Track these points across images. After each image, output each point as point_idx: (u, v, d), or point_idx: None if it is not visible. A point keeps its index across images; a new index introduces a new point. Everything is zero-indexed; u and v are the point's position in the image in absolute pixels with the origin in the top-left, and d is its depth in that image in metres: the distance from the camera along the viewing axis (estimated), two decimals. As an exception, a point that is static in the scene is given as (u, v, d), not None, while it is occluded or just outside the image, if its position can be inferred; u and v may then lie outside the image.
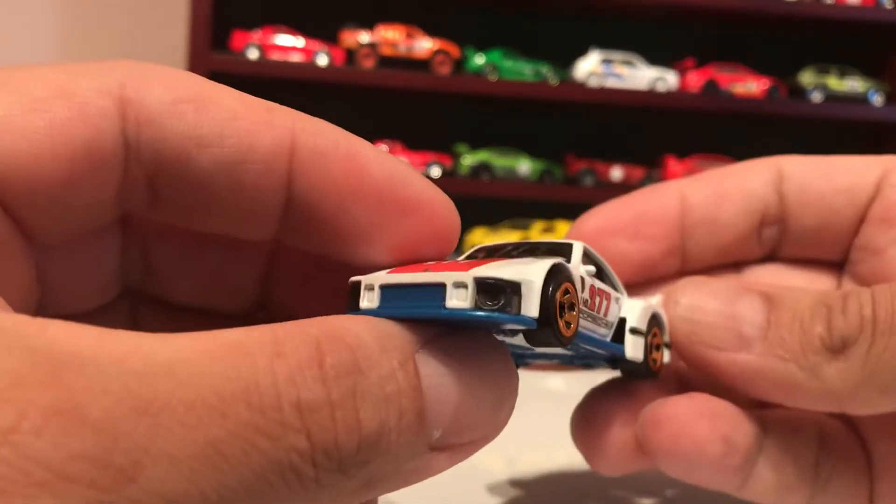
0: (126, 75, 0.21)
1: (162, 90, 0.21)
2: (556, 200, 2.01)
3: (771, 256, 0.33)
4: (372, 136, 2.03)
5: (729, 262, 0.32)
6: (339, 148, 0.22)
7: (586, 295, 0.23)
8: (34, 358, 0.14)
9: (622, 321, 0.26)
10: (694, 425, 0.27)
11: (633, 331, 0.26)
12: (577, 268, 0.23)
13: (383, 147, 2.02)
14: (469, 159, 2.03)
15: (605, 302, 0.24)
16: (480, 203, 2.03)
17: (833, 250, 0.31)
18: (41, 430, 0.14)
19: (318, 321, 0.18)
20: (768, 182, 0.31)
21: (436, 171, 2.02)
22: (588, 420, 0.29)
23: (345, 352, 0.18)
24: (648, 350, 0.26)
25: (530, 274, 0.20)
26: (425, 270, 0.20)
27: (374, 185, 0.22)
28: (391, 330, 0.19)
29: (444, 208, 0.24)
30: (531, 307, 0.19)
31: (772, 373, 0.25)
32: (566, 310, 0.20)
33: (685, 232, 0.31)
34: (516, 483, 0.36)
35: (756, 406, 0.28)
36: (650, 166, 2.10)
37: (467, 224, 2.17)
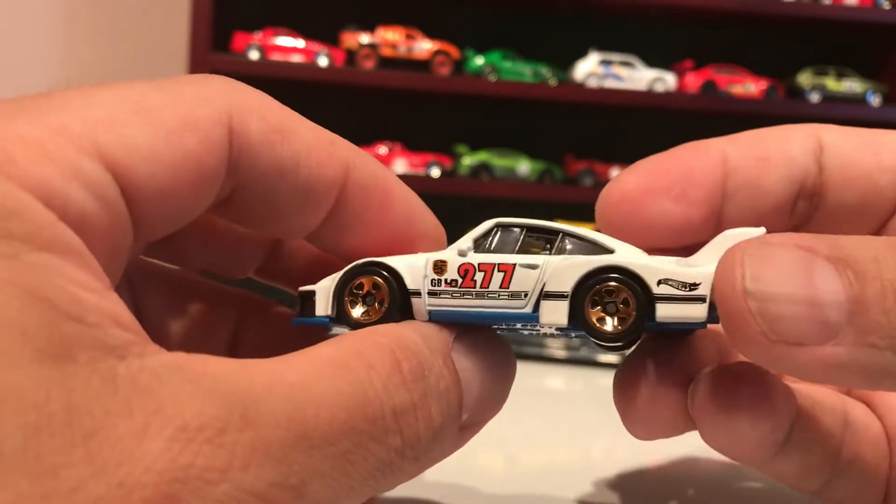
0: (230, 104, 0.24)
1: (258, 121, 0.24)
2: (555, 200, 2.02)
3: (796, 230, 0.29)
4: (372, 137, 2.04)
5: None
6: (378, 183, 0.27)
7: (454, 275, 0.26)
8: (226, 402, 0.18)
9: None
10: (749, 402, 0.25)
11: (548, 295, 0.25)
12: (445, 251, 0.26)
13: (383, 149, 2.02)
14: (469, 160, 2.03)
15: (499, 275, 0.25)
16: (480, 203, 2.04)
17: (865, 229, 0.29)
18: (247, 466, 0.18)
19: (379, 330, 0.23)
20: (809, 151, 0.29)
21: (436, 172, 2.03)
22: (630, 379, 0.27)
23: (413, 358, 0.22)
24: (582, 311, 0.25)
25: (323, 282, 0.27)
26: None
27: (398, 219, 0.27)
28: (430, 332, 0.24)
29: (442, 239, 0.29)
30: (322, 309, 0.27)
31: (867, 365, 0.21)
32: (360, 302, 0.26)
33: (726, 196, 0.29)
34: (516, 483, 0.36)
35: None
36: (649, 167, 2.10)
37: (467, 224, 2.15)
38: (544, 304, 0.25)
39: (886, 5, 2.05)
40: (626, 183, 0.29)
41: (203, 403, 0.18)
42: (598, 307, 0.25)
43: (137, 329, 0.19)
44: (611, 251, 0.26)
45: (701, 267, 0.24)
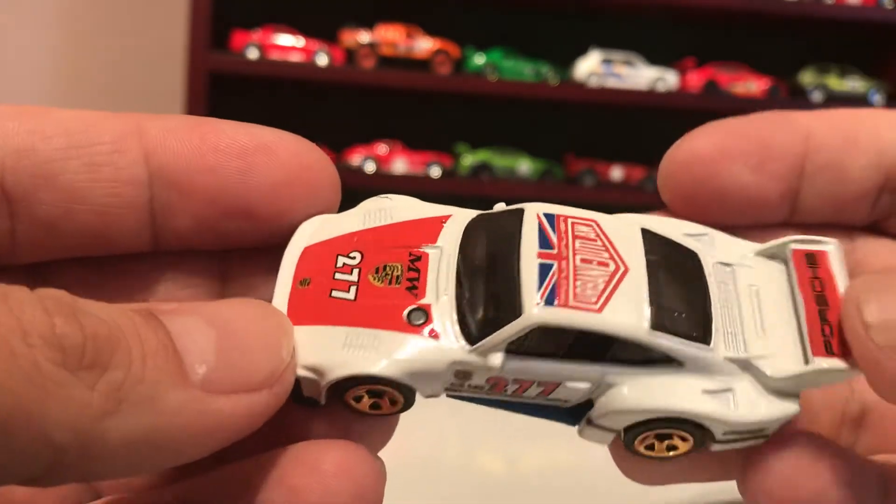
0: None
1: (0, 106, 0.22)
2: (556, 200, 2.00)
3: (872, 227, 0.27)
4: (372, 136, 2.04)
5: (838, 223, 0.27)
6: (189, 121, 0.23)
7: (480, 383, 0.21)
8: None
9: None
10: (811, 471, 0.21)
11: (595, 424, 0.22)
12: (487, 356, 0.21)
13: (383, 148, 2.02)
14: (469, 159, 2.03)
15: (538, 388, 0.21)
16: (480, 203, 2.02)
17: None
18: None
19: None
20: None
21: (436, 171, 2.02)
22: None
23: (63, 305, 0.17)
24: (631, 444, 0.22)
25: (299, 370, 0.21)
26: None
27: (229, 141, 0.22)
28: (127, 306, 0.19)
29: (300, 143, 0.24)
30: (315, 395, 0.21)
31: None
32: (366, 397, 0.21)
33: (806, 176, 0.26)
34: (516, 483, 0.35)
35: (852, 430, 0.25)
36: (650, 166, 2.09)
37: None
38: (589, 430, 0.22)
39: (889, 4, 2.04)
40: (699, 142, 0.26)
41: None
42: (648, 439, 0.22)
43: None
44: (673, 363, 0.21)
45: (778, 404, 0.21)
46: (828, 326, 0.21)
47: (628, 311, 0.21)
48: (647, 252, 0.22)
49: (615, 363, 0.21)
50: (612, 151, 2.12)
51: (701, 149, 0.26)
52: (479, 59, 2.00)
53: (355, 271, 0.22)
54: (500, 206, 0.24)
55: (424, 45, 1.99)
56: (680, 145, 0.27)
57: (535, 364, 0.21)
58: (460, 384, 0.21)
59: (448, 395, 0.22)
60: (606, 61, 2.01)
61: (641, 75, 2.02)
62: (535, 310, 0.20)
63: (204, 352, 0.18)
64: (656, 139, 2.28)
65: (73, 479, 0.17)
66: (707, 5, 1.98)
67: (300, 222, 0.23)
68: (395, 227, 0.23)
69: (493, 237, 0.22)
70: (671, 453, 0.22)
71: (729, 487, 0.36)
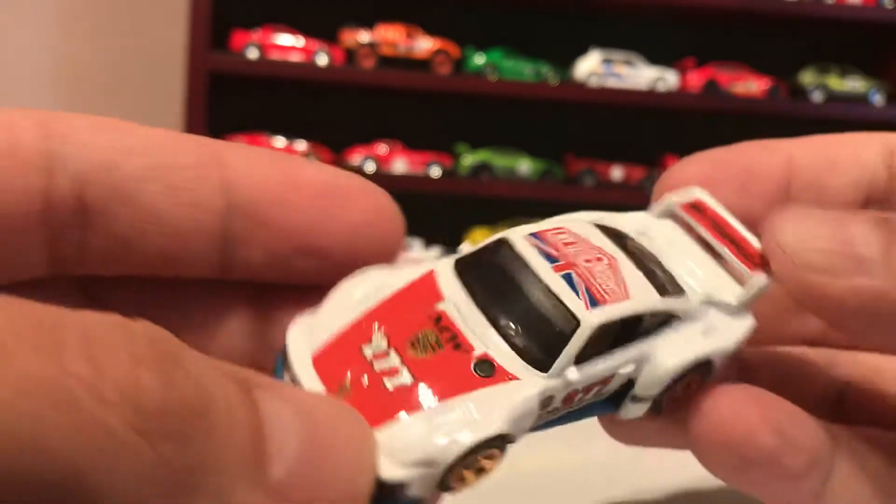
0: (43, 113, 0.20)
1: (83, 117, 0.21)
2: (556, 200, 2.01)
3: None
4: (372, 136, 2.04)
5: None
6: (271, 156, 0.22)
7: (558, 404, 0.22)
8: None
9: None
10: (743, 412, 0.23)
11: (636, 398, 0.23)
12: (564, 373, 0.21)
13: (383, 147, 2.02)
14: (469, 159, 2.03)
15: (598, 386, 0.23)
16: (480, 203, 2.03)
17: None
18: None
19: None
20: (881, 157, 0.28)
21: (436, 171, 2.02)
22: None
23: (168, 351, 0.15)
24: (660, 402, 0.24)
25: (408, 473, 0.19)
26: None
27: (310, 181, 0.22)
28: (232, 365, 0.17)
29: (378, 193, 0.23)
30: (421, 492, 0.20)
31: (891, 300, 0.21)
32: (466, 474, 0.20)
33: (790, 196, 0.28)
34: (516, 483, 0.35)
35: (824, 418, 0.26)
36: (650, 166, 2.09)
37: (467, 224, 2.16)
38: (633, 406, 0.24)
39: (889, 4, 2.04)
40: (687, 170, 0.28)
41: None
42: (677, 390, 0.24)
43: None
44: (672, 321, 0.24)
45: (741, 322, 0.24)
46: (744, 252, 0.25)
47: (642, 290, 0.23)
48: (613, 242, 0.24)
49: (644, 338, 0.23)
50: (612, 151, 2.12)
51: (690, 177, 0.28)
52: (479, 59, 2.00)
53: (392, 354, 0.21)
54: (464, 247, 0.24)
55: (424, 45, 1.99)
56: (670, 173, 0.29)
57: (594, 365, 0.22)
58: (541, 414, 0.22)
59: (529, 432, 0.22)
60: (606, 61, 2.01)
61: (641, 75, 2.02)
62: (589, 315, 0.21)
63: (287, 450, 0.16)
64: (656, 139, 2.28)
65: None
66: (707, 5, 1.98)
67: (369, 265, 0.23)
68: (393, 302, 0.22)
69: (494, 274, 0.23)
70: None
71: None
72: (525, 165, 2.04)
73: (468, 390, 0.20)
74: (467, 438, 0.19)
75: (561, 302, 0.21)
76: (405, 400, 0.20)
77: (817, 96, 2.06)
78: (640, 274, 0.23)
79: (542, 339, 0.21)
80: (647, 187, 2.03)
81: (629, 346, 0.22)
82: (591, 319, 0.21)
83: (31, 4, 2.11)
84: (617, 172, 2.10)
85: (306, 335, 0.21)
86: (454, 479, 0.20)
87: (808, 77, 2.07)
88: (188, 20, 1.86)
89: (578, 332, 0.21)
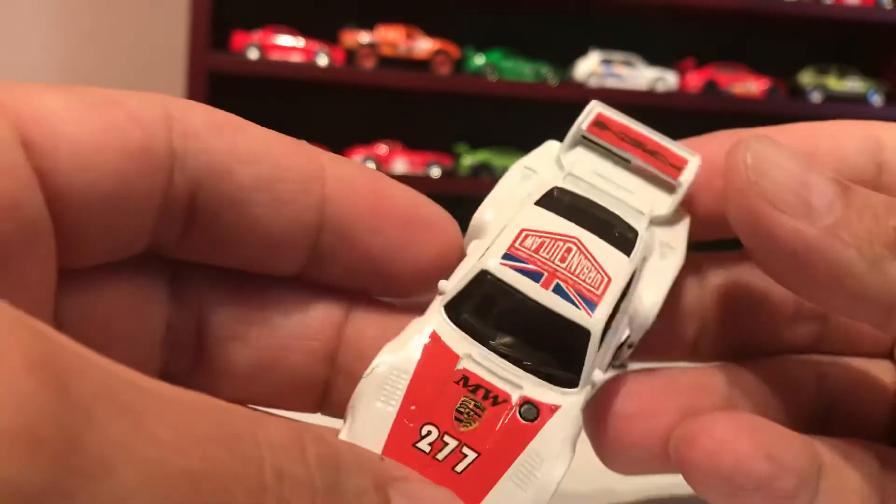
0: (165, 100, 0.21)
1: (202, 112, 0.21)
2: (556, 200, 2.01)
3: None
4: (372, 136, 2.04)
5: None
6: (364, 175, 0.23)
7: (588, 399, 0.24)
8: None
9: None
10: (734, 441, 0.23)
11: (631, 345, 0.25)
12: (591, 379, 0.23)
13: (383, 148, 2.02)
14: (469, 159, 2.03)
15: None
16: (480, 203, 2.03)
17: None
18: None
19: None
20: (864, 149, 0.27)
21: (436, 171, 2.02)
22: (606, 409, 0.25)
23: (326, 445, 0.16)
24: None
25: None
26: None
27: (397, 207, 0.23)
28: (366, 452, 0.18)
29: (454, 225, 0.25)
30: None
31: (830, 253, 0.22)
32: None
33: None
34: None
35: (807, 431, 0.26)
36: (650, 166, 2.09)
37: (467, 224, 2.15)
38: (626, 351, 0.25)
39: (888, 4, 2.04)
40: None
41: None
42: None
43: None
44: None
45: (679, 227, 0.26)
46: (660, 157, 0.26)
47: (615, 262, 0.23)
48: (566, 219, 0.24)
49: (629, 297, 0.24)
50: (611, 152, 2.12)
51: None
52: (479, 60, 2.00)
53: (447, 437, 0.21)
54: (442, 285, 0.23)
55: (424, 45, 1.99)
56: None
57: (606, 350, 0.23)
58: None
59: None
60: (606, 62, 2.01)
61: (641, 76, 2.02)
62: (593, 321, 0.22)
63: None
64: (656, 139, 2.23)
65: None
66: (706, 6, 1.98)
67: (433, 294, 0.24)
68: (416, 387, 0.22)
69: (490, 311, 0.23)
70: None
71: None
72: (525, 166, 2.04)
73: (528, 440, 0.21)
74: (554, 477, 0.21)
75: (565, 318, 0.22)
76: (477, 477, 0.21)
77: (816, 97, 2.06)
78: (604, 243, 0.24)
79: (562, 359, 0.22)
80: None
81: (621, 312, 0.24)
82: (596, 325, 0.22)
83: (31, 5, 2.11)
84: (616, 173, 2.09)
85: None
86: None
87: (807, 77, 2.07)
88: (189, 21, 1.86)
89: (591, 340, 0.22)
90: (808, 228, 0.22)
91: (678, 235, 0.26)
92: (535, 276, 0.22)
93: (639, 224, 0.25)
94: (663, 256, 0.25)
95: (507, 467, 0.21)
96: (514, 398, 0.21)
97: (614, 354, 0.24)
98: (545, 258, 0.23)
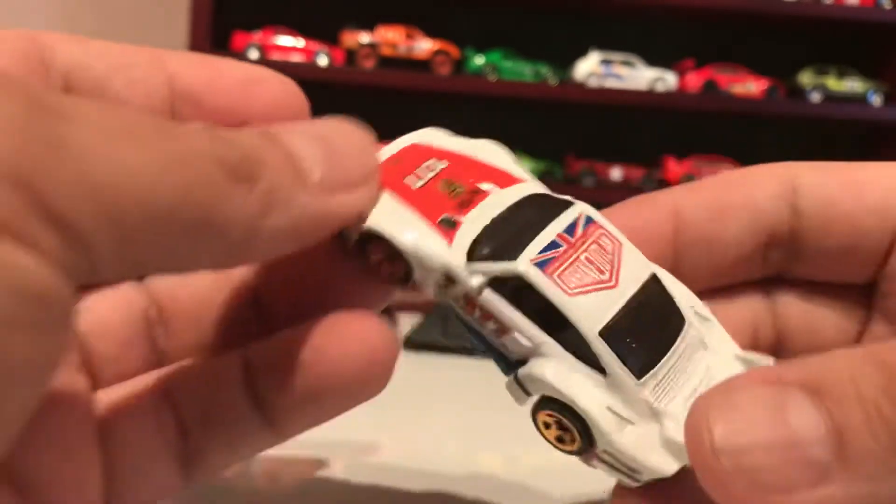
0: (28, 31, 0.26)
1: (60, 33, 0.26)
2: (555, 201, 2.01)
3: (778, 276, 0.29)
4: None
5: (726, 284, 0.29)
6: (199, 56, 0.28)
7: (459, 295, 0.25)
8: None
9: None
10: None
11: (516, 378, 0.25)
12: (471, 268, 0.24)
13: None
14: (469, 159, 2.03)
15: (493, 324, 0.24)
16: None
17: (858, 274, 0.27)
18: None
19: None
20: (779, 196, 0.27)
21: (436, 172, 2.02)
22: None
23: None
24: (537, 413, 0.25)
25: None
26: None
27: (232, 72, 0.28)
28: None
29: (288, 79, 0.30)
30: None
31: (866, 498, 0.18)
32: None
33: (678, 251, 0.28)
34: (516, 483, 0.36)
35: None
36: (650, 166, 2.10)
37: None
38: (512, 385, 0.25)
39: (888, 5, 2.04)
40: None
41: None
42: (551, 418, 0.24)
43: None
44: (602, 371, 0.24)
45: (662, 459, 0.23)
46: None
47: (594, 311, 0.23)
48: (642, 290, 0.24)
49: (558, 342, 0.23)
50: (611, 151, 2.13)
51: None
52: (478, 60, 2.01)
53: (431, 174, 0.26)
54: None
55: (424, 45, 1.99)
56: None
57: (501, 304, 0.24)
58: (445, 289, 0.24)
59: (435, 297, 0.25)
60: (606, 62, 2.01)
61: (641, 76, 2.02)
62: (525, 266, 0.23)
63: (315, 159, 0.22)
64: (656, 139, 2.28)
65: (236, 264, 0.23)
66: (706, 6, 1.98)
67: None
68: (480, 164, 0.27)
69: (538, 209, 0.26)
70: (558, 444, 0.24)
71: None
72: (525, 166, 2.04)
73: (424, 217, 0.25)
74: (382, 228, 0.24)
75: (525, 244, 0.24)
76: (399, 190, 0.25)
77: (815, 97, 2.06)
78: (615, 308, 0.24)
79: (487, 246, 0.24)
80: (646, 187, 2.03)
81: (539, 330, 0.24)
82: (519, 267, 0.24)
83: (32, 6, 2.11)
84: (616, 173, 2.10)
85: (429, 137, 0.28)
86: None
87: (806, 78, 2.07)
88: (189, 21, 1.86)
89: (506, 264, 0.24)
90: (827, 491, 0.18)
91: (651, 455, 0.24)
92: (569, 232, 0.25)
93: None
94: None
95: (401, 203, 0.25)
96: (459, 218, 0.26)
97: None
98: (583, 245, 0.25)
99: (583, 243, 0.24)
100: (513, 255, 0.24)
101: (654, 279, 0.24)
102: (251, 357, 0.25)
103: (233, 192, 0.19)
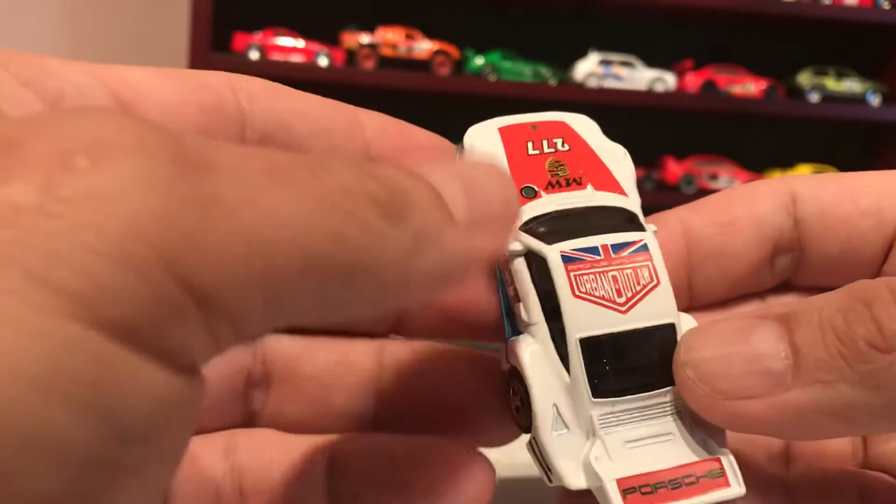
0: (226, 74, 0.25)
1: (259, 81, 0.25)
2: (555, 201, 2.01)
3: (785, 285, 0.30)
4: (372, 137, 2.04)
5: (739, 295, 0.30)
6: (391, 121, 0.28)
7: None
8: None
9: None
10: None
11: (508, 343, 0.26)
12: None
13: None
14: (469, 160, 2.03)
15: (511, 289, 0.26)
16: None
17: (858, 277, 0.27)
18: None
19: None
20: (780, 206, 0.28)
21: (436, 172, 2.03)
22: None
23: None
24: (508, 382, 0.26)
25: None
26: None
27: (420, 141, 0.28)
28: None
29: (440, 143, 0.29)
30: None
31: (821, 402, 0.21)
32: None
33: (692, 267, 0.28)
34: (516, 483, 0.36)
35: (782, 463, 0.27)
36: (649, 166, 2.10)
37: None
38: (506, 346, 0.26)
39: (886, 5, 2.05)
40: None
41: None
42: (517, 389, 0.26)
43: None
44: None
45: (580, 475, 0.24)
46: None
47: (587, 319, 0.24)
48: (650, 330, 0.25)
49: (550, 330, 0.25)
50: (610, 152, 2.13)
51: None
52: (478, 61, 2.01)
53: (550, 150, 0.28)
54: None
55: (424, 46, 2.00)
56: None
57: (524, 275, 0.25)
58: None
59: None
60: (605, 62, 2.02)
61: (640, 76, 2.02)
62: (552, 252, 0.24)
63: (456, 196, 0.21)
64: (655, 140, 2.27)
65: (385, 310, 0.22)
66: (705, 7, 1.99)
67: None
68: (598, 164, 0.28)
69: (608, 219, 0.26)
70: (514, 413, 0.26)
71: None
72: (524, 166, 2.05)
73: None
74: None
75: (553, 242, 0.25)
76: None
77: (814, 97, 2.06)
78: (619, 329, 0.25)
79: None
80: (645, 187, 2.03)
81: (541, 311, 0.25)
82: (550, 253, 0.24)
83: (32, 6, 2.11)
84: (616, 173, 2.10)
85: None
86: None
87: (805, 78, 2.08)
88: (190, 22, 1.86)
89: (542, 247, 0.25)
90: (783, 397, 0.21)
91: (572, 464, 0.25)
92: (595, 252, 0.26)
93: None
94: None
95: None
96: (538, 186, 0.27)
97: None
98: (618, 265, 0.25)
99: (619, 263, 0.25)
100: (553, 241, 0.25)
101: (669, 328, 0.25)
102: (337, 454, 0.25)
103: (387, 230, 0.18)
